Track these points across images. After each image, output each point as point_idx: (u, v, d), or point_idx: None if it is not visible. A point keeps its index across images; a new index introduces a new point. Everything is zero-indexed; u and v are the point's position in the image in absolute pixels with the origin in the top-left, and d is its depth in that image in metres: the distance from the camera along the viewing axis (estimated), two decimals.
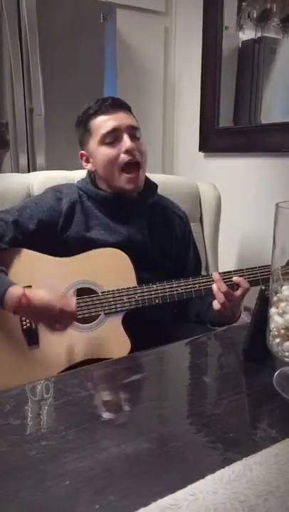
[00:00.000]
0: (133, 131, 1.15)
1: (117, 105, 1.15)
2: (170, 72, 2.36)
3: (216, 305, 1.08)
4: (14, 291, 0.98)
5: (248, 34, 2.04)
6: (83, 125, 1.17)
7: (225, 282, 1.08)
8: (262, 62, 2.01)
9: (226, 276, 1.11)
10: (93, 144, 1.16)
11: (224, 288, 1.06)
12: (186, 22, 2.25)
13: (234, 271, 1.12)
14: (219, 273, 1.11)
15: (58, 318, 1.00)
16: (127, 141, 1.13)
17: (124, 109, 1.16)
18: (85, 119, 1.16)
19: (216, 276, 1.09)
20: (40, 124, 1.77)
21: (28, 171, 1.77)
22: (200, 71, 2.14)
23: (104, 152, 1.14)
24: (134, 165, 1.15)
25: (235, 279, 1.09)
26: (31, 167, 1.81)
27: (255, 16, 1.98)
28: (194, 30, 2.12)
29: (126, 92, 2.02)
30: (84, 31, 1.85)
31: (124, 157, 1.13)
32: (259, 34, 1.99)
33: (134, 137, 1.15)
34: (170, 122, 2.42)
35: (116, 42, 1.97)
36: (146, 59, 2.25)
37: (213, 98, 2.10)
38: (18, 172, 1.76)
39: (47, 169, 1.72)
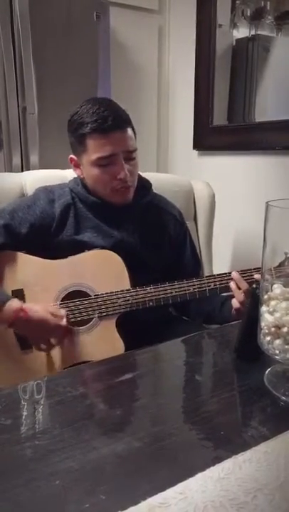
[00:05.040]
0: (129, 154, 1.11)
1: (117, 125, 1.07)
2: (164, 71, 2.36)
3: (235, 304, 1.06)
4: (13, 305, 0.99)
5: (241, 32, 2.04)
6: (77, 137, 1.11)
7: (246, 280, 1.06)
8: (256, 60, 2.01)
9: (246, 274, 1.07)
10: (86, 160, 1.12)
11: (245, 286, 1.04)
12: (179, 20, 2.25)
13: (254, 269, 1.08)
14: (238, 271, 1.08)
15: (49, 334, 1.03)
16: (122, 172, 1.09)
17: (124, 129, 1.09)
18: (81, 134, 1.09)
19: (235, 275, 1.06)
20: (33, 122, 1.77)
21: (22, 170, 1.77)
22: (194, 69, 2.13)
23: (97, 174, 1.11)
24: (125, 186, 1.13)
25: (257, 276, 1.04)
26: (25, 166, 1.81)
27: (248, 13, 1.98)
28: (188, 29, 2.12)
29: (120, 90, 2.02)
30: (77, 30, 1.84)
31: (116, 183, 1.11)
32: (253, 32, 1.99)
33: (130, 159, 1.12)
34: (164, 120, 2.41)
35: (109, 40, 1.96)
36: (140, 57, 2.24)
37: (207, 96, 2.10)
38: (11, 171, 1.76)
39: (40, 168, 1.72)
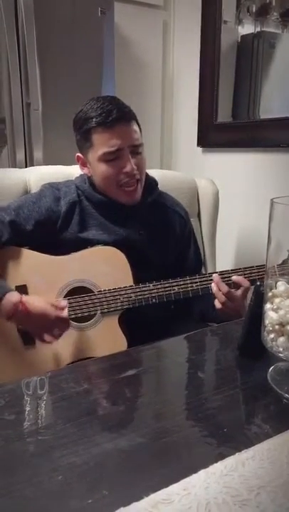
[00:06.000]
0: (135, 148, 1.11)
1: (121, 119, 1.08)
2: (168, 67, 2.35)
3: (217, 304, 1.08)
4: (11, 298, 0.98)
5: (247, 28, 2.02)
6: (83, 134, 1.11)
7: (225, 281, 1.08)
8: (261, 57, 2.00)
9: (225, 275, 1.10)
10: (92, 156, 1.12)
11: (225, 289, 1.06)
12: (184, 16, 2.24)
13: (232, 270, 1.11)
14: (218, 272, 1.11)
15: (51, 327, 1.02)
16: (128, 166, 1.09)
17: (129, 122, 1.10)
18: (87, 130, 1.10)
19: (215, 277, 1.08)
20: (37, 118, 1.76)
21: (26, 166, 1.77)
22: (198, 65, 2.13)
23: (104, 169, 1.11)
24: (133, 182, 1.13)
25: (234, 278, 1.08)
26: (29, 162, 1.81)
27: (254, 10, 1.97)
28: (193, 25, 2.11)
29: (124, 86, 2.02)
30: (81, 25, 1.84)
31: (123, 178, 1.11)
32: (258, 28, 1.98)
33: (136, 153, 1.12)
34: (168, 117, 2.41)
35: (114, 36, 1.95)
36: (144, 53, 2.23)
37: (212, 93, 2.09)
38: (15, 167, 1.76)
39: (44, 164, 1.71)
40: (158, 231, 1.22)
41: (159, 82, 2.35)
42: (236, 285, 1.08)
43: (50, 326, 1.02)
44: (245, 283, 1.08)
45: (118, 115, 1.07)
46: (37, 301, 1.01)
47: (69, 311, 1.10)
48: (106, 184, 1.13)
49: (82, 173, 1.22)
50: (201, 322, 1.27)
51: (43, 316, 1.00)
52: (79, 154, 1.17)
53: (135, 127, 1.12)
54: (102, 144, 1.08)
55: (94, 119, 1.07)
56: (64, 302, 1.05)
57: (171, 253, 1.25)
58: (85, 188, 1.17)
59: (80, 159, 1.17)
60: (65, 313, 1.02)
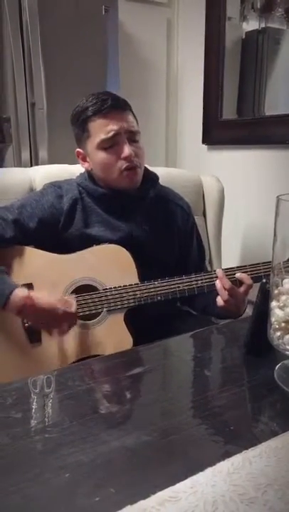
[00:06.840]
0: (132, 135, 1.13)
1: (116, 106, 1.11)
2: (173, 64, 2.35)
3: (219, 301, 1.07)
4: (19, 293, 0.99)
5: (251, 25, 2.02)
6: (80, 125, 1.14)
7: (228, 278, 1.07)
8: (266, 53, 1.99)
9: (229, 272, 1.10)
10: (91, 146, 1.13)
11: (228, 285, 1.05)
12: (188, 13, 2.23)
13: (237, 267, 1.11)
14: (222, 269, 1.11)
15: (59, 322, 1.02)
16: (126, 150, 1.10)
17: (123, 110, 1.13)
18: (83, 120, 1.12)
19: (219, 273, 1.08)
20: (42, 118, 1.77)
21: (31, 165, 1.77)
22: (203, 62, 2.12)
23: (102, 157, 1.12)
24: (132, 168, 1.14)
25: (238, 275, 1.08)
26: (34, 161, 1.81)
27: (258, 6, 1.96)
28: (197, 22, 2.10)
29: (128, 84, 2.02)
30: (86, 24, 1.83)
31: (122, 163, 1.12)
32: (263, 25, 1.97)
33: (133, 141, 1.13)
34: (173, 114, 2.40)
35: (118, 34, 1.95)
36: (148, 51, 2.23)
37: (217, 90, 2.09)
38: (20, 166, 1.76)
39: (49, 163, 1.72)
40: (161, 224, 1.23)
41: (164, 80, 2.34)
42: (240, 282, 1.08)
43: (58, 321, 1.03)
44: (248, 281, 1.08)
45: (113, 103, 1.10)
46: (45, 297, 1.01)
47: (76, 308, 1.10)
48: (106, 172, 1.14)
49: (82, 171, 1.23)
50: (201, 315, 1.28)
51: (51, 311, 1.00)
52: (78, 149, 1.18)
53: (130, 116, 1.14)
54: (99, 131, 1.10)
55: (90, 108, 1.11)
56: (72, 299, 1.05)
57: (174, 246, 1.25)
58: (85, 184, 1.18)
59: (80, 154, 1.19)
60: (73, 308, 1.02)
